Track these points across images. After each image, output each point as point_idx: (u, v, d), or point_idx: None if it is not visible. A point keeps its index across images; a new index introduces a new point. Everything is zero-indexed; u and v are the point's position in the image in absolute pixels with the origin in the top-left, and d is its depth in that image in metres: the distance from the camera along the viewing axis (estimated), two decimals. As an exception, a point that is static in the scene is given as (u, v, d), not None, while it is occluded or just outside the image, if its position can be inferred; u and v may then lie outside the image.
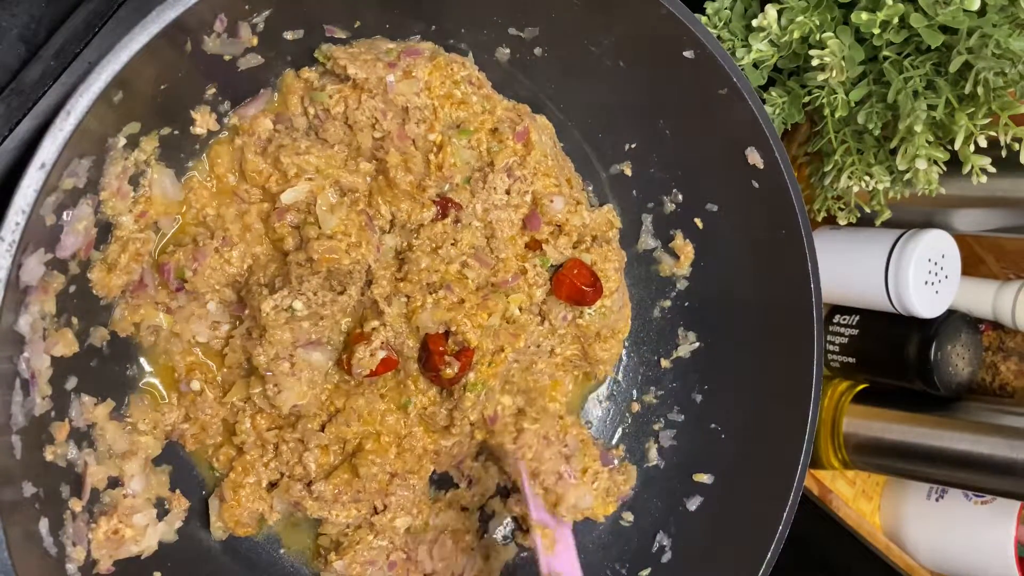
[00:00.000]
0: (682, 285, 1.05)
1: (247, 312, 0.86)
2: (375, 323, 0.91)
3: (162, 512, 0.86)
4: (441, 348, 0.92)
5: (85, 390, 0.80)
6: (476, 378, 0.94)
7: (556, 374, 1.09)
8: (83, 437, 0.80)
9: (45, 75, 0.83)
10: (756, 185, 0.97)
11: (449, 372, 0.92)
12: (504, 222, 0.96)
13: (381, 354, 0.89)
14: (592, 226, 1.02)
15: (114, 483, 0.83)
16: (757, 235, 1.01)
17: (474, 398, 0.94)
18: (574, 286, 0.98)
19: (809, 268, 0.97)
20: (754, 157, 0.95)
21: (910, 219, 1.30)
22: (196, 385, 0.87)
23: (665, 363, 1.08)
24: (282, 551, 0.95)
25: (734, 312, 1.06)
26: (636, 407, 1.11)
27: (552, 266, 1.00)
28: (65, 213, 0.73)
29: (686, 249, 1.04)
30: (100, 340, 0.82)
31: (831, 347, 1.42)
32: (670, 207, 1.05)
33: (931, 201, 1.28)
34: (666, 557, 1.01)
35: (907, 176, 1.13)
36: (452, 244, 0.91)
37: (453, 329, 0.92)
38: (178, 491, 0.88)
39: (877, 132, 1.15)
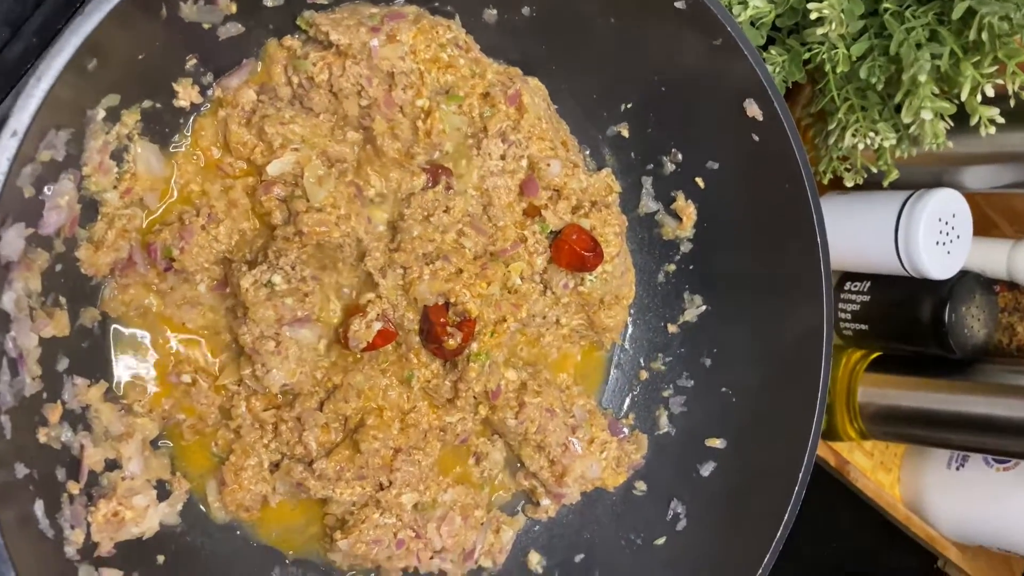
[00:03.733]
0: (686, 248, 1.03)
1: (228, 290, 0.85)
2: (370, 295, 0.89)
3: (164, 494, 0.85)
4: (442, 320, 0.90)
5: (77, 371, 0.79)
6: (480, 348, 0.92)
7: (564, 346, 1.07)
8: (78, 419, 0.79)
9: (27, 52, 0.81)
10: (757, 139, 0.95)
11: (452, 343, 0.90)
12: (500, 189, 0.94)
13: (377, 326, 0.88)
14: (591, 191, 1.00)
15: (112, 465, 0.81)
16: (761, 192, 0.99)
17: (479, 368, 0.92)
18: (574, 252, 0.96)
19: (815, 222, 0.95)
20: (753, 109, 0.92)
21: (919, 179, 1.28)
22: (187, 377, 0.85)
23: (672, 328, 1.06)
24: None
25: (740, 273, 1.04)
26: (644, 375, 1.09)
27: (552, 233, 0.97)
28: (46, 187, 0.71)
29: (688, 210, 1.02)
30: (91, 321, 0.81)
31: (843, 315, 1.39)
32: (670, 168, 1.03)
33: (939, 159, 1.25)
34: (681, 525, 1.00)
35: (912, 128, 1.10)
36: (445, 212, 0.89)
37: (453, 300, 0.90)
38: (179, 473, 0.87)
39: (880, 87, 1.12)
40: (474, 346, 0.92)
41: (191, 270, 0.84)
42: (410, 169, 0.89)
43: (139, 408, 0.84)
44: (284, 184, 0.86)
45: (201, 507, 0.88)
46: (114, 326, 0.83)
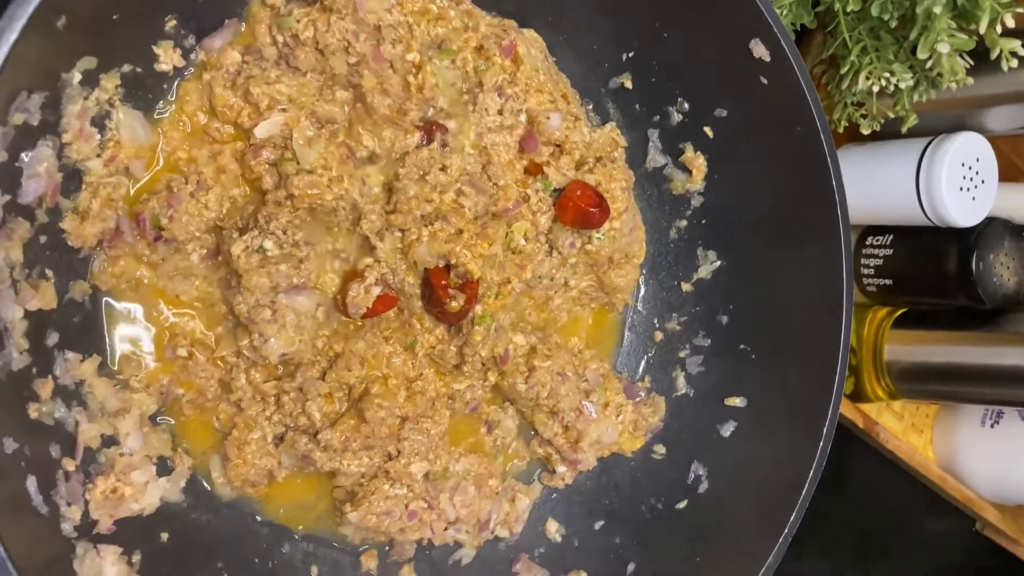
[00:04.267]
0: (697, 202, 1.00)
1: (220, 259, 0.82)
2: (368, 260, 0.86)
3: (166, 471, 0.83)
4: (444, 282, 0.87)
5: (69, 346, 0.77)
6: (484, 310, 0.89)
7: (574, 309, 1.03)
8: (72, 395, 0.77)
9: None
10: (765, 81, 0.91)
11: (455, 305, 0.87)
12: (499, 146, 0.91)
13: (376, 291, 0.85)
14: (595, 146, 0.97)
15: (110, 442, 0.79)
16: (772, 137, 0.95)
17: (484, 331, 0.89)
18: (579, 209, 0.92)
19: (830, 166, 0.91)
20: (759, 50, 0.88)
21: (939, 125, 1.23)
22: (183, 351, 0.83)
23: (686, 287, 1.03)
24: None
25: (755, 225, 1.00)
26: (659, 336, 1.06)
27: (555, 190, 0.94)
28: (23, 154, 0.69)
29: (697, 162, 0.99)
30: (81, 294, 0.79)
31: (866, 270, 1.34)
32: (677, 118, 0.99)
33: (960, 102, 1.20)
34: (703, 487, 0.97)
35: (929, 65, 1.05)
36: (441, 170, 0.86)
37: (453, 261, 0.87)
38: (180, 449, 0.84)
39: (894, 24, 1.08)
40: (478, 309, 0.89)
41: (181, 239, 0.81)
42: (403, 127, 0.86)
43: (136, 383, 0.82)
44: (273, 147, 0.83)
45: (205, 484, 0.86)
46: (106, 299, 0.81)
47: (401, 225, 0.85)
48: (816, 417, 0.93)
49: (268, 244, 0.80)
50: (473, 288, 0.88)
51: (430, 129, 0.87)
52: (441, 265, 0.87)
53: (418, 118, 0.86)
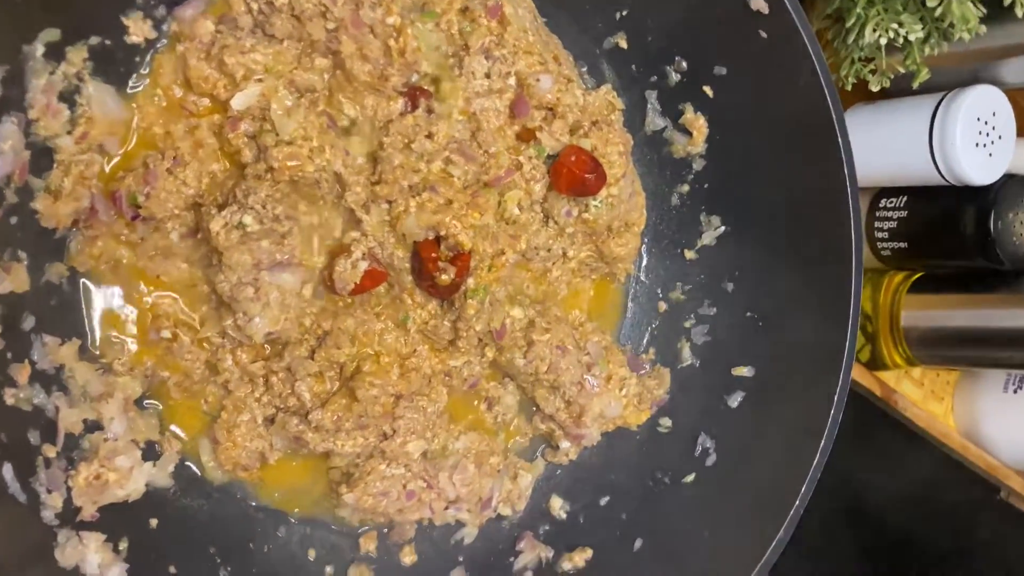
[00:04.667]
0: (699, 165, 0.97)
1: (200, 236, 0.80)
2: (354, 234, 0.83)
3: (154, 455, 0.80)
4: (433, 254, 0.84)
5: (46, 330, 0.74)
6: (477, 283, 0.86)
7: (574, 281, 1.00)
8: (52, 380, 0.75)
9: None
10: (764, 35, 0.87)
11: (445, 279, 0.84)
12: (489, 111, 0.87)
13: (363, 265, 0.82)
14: (591, 110, 0.93)
15: (94, 427, 0.77)
16: (775, 95, 0.91)
17: (477, 305, 0.86)
18: (573, 175, 0.89)
19: (835, 121, 0.87)
20: (757, 2, 0.84)
21: (953, 80, 1.17)
22: (167, 333, 0.80)
23: (690, 254, 0.99)
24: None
25: (760, 187, 0.96)
26: (663, 306, 1.02)
27: (549, 157, 0.91)
28: (-15, 131, 0.66)
29: (698, 123, 0.95)
30: (58, 276, 0.77)
31: (880, 234, 1.29)
32: (675, 78, 0.95)
33: (974, 55, 1.15)
34: (711, 460, 0.94)
35: (940, 13, 1.00)
36: (427, 138, 0.83)
37: (443, 233, 0.84)
38: (168, 433, 0.82)
39: (902, -28, 1.03)
40: (471, 282, 0.86)
41: (159, 217, 0.79)
42: (385, 93, 0.83)
43: (119, 366, 0.80)
44: (252, 119, 0.80)
45: (195, 468, 0.84)
46: (84, 281, 0.79)
47: (387, 196, 0.82)
48: (827, 385, 0.89)
49: (248, 219, 0.77)
50: (464, 260, 0.84)
51: (414, 95, 0.83)
52: (431, 237, 0.84)
53: (401, 84, 0.83)
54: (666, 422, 0.98)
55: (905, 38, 1.04)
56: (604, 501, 0.97)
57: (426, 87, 0.84)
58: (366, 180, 0.83)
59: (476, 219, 0.85)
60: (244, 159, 0.80)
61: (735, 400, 0.95)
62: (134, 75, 0.80)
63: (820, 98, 0.86)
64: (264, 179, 0.79)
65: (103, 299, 0.80)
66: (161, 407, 0.83)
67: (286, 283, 0.80)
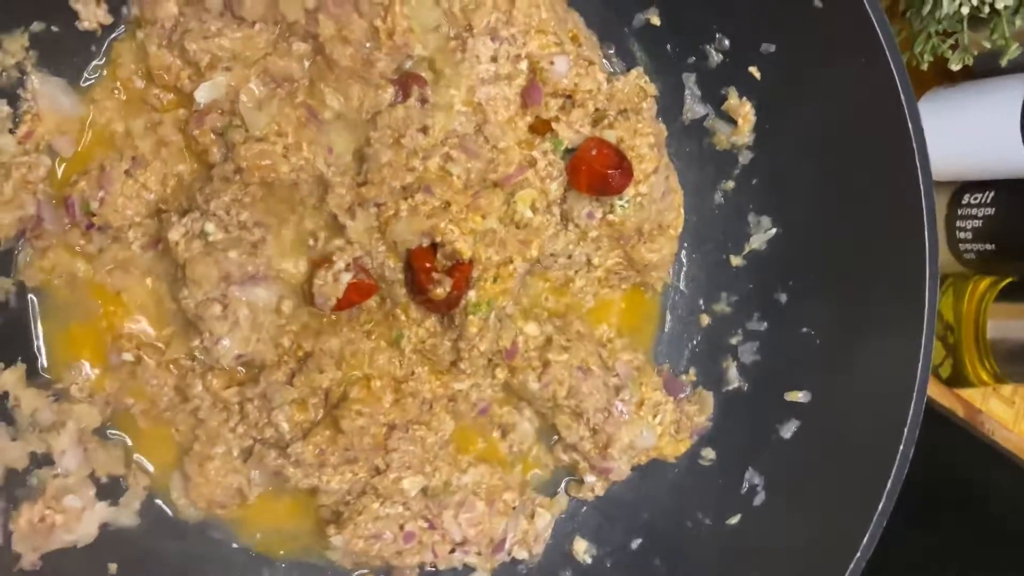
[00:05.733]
0: (746, 158, 0.87)
1: (161, 247, 0.71)
2: (338, 242, 0.73)
3: (113, 492, 0.72)
4: (428, 264, 0.74)
5: (-14, 354, 0.66)
6: (479, 297, 0.76)
7: (601, 291, 0.88)
8: (-8, 411, 0.67)
9: None
10: (819, 4, 0.74)
11: (440, 292, 0.73)
12: (496, 100, 0.77)
13: (347, 277, 0.72)
14: (618, 97, 0.81)
15: (46, 461, 0.69)
16: (832, 75, 0.79)
17: (479, 322, 0.76)
18: (594, 171, 0.78)
19: (904, 104, 0.74)
20: (809, -37, 0.72)
21: (1050, 56, 1.02)
22: (129, 355, 0.72)
23: (736, 260, 0.88)
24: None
25: (816, 184, 0.84)
26: (706, 319, 0.90)
27: (567, 151, 0.79)
28: (-102, 131, 0.58)
29: (744, 110, 0.85)
30: (2, 293, 0.69)
31: (962, 234, 1.15)
32: (716, 58, 0.84)
33: (1077, 27, 1.00)
34: (759, 499, 0.84)
35: (1035, -25, 0.85)
36: (421, 132, 0.73)
37: (439, 240, 0.73)
38: (134, 465, 0.74)
39: (989, -70, 0.88)
40: (472, 295, 0.75)
41: (116, 225, 0.70)
42: (373, 82, 0.72)
43: (77, 392, 0.72)
44: (220, 113, 0.71)
45: (164, 506, 0.75)
46: (32, 297, 0.71)
47: (375, 198, 0.73)
48: (897, 411, 0.77)
49: (210, 227, 0.68)
50: (464, 271, 0.74)
51: (405, 83, 0.73)
52: (425, 244, 0.74)
53: (391, 70, 0.73)
54: (708, 454, 0.88)
55: (992, 7, 0.90)
56: (635, 544, 0.87)
57: (420, 73, 0.74)
58: (351, 181, 0.73)
59: (478, 223, 0.74)
60: (212, 159, 0.71)
61: (788, 430, 0.84)
62: (89, 66, 0.71)
63: (888, 80, 0.74)
64: (232, 181, 0.70)
65: (55, 317, 0.71)
66: (127, 438, 0.74)
67: (259, 299, 0.71)
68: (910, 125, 0.74)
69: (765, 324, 0.87)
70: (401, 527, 0.78)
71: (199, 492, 0.74)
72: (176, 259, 0.69)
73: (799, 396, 0.83)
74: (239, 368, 0.75)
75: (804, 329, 0.84)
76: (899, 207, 0.78)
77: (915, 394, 0.77)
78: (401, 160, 0.72)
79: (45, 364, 0.71)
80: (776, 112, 0.84)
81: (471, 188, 0.75)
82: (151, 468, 0.75)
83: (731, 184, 0.88)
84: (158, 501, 0.76)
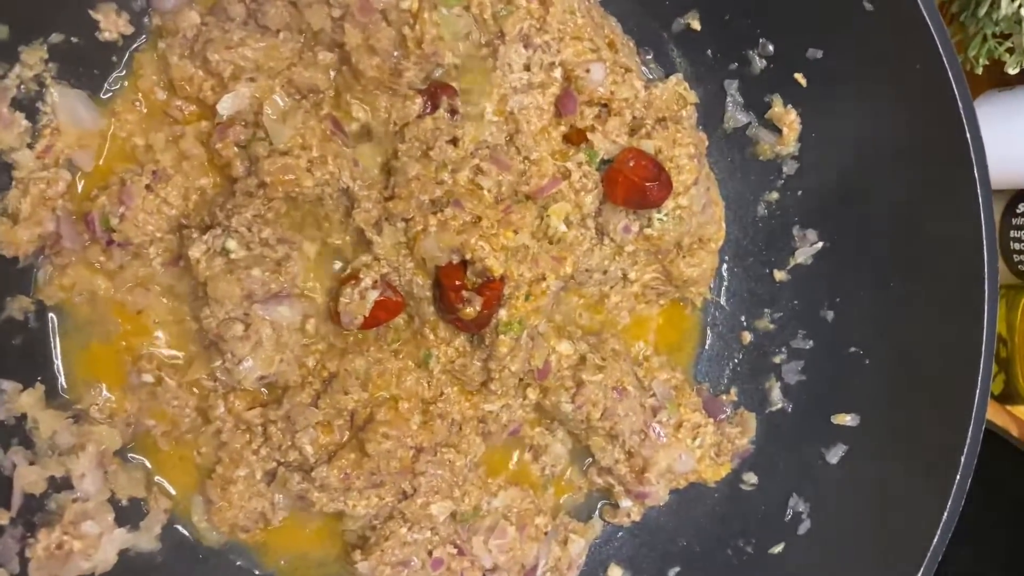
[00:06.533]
0: (791, 168, 0.84)
1: (183, 264, 0.68)
2: (365, 258, 0.71)
3: (133, 516, 0.70)
4: (458, 282, 0.71)
5: (4, 374, 0.65)
6: (510, 316, 0.72)
7: (638, 308, 0.85)
8: (11, 433, 0.65)
9: None
10: (870, 7, 0.70)
11: (470, 311, 0.70)
12: (529, 109, 0.74)
13: (373, 295, 0.70)
14: (656, 105, 0.78)
15: (65, 484, 0.67)
16: (883, 81, 0.75)
17: (510, 342, 0.72)
18: (631, 183, 0.74)
19: (962, 112, 0.70)
20: (859, -36, 0.68)
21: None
22: (149, 376, 0.70)
23: (780, 275, 0.85)
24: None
25: (866, 195, 0.81)
26: (748, 337, 0.87)
27: (603, 162, 0.76)
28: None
29: (789, 118, 0.82)
30: (21, 311, 0.67)
31: (1016, 245, 1.10)
32: (759, 64, 0.81)
33: None
34: (804, 527, 0.81)
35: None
36: (451, 143, 0.70)
37: (469, 256, 0.70)
38: (156, 489, 0.72)
39: (1050, -74, 0.84)
40: (503, 314, 0.72)
41: (137, 242, 0.68)
42: (401, 92, 0.69)
43: (97, 414, 0.70)
44: (244, 125, 0.69)
45: (185, 531, 0.73)
46: (52, 316, 0.69)
47: (403, 213, 0.70)
48: (952, 435, 0.74)
49: (231, 244, 0.66)
50: (495, 289, 0.71)
51: (435, 93, 0.70)
52: (455, 261, 0.71)
53: (419, 80, 0.70)
54: (750, 479, 0.85)
55: (1053, 7, 0.85)
56: (672, 573, 0.84)
57: (450, 83, 0.71)
58: (378, 195, 0.71)
59: (509, 239, 0.71)
60: (235, 173, 0.69)
61: (835, 454, 0.81)
62: (110, 78, 0.69)
63: (942, 84, 0.70)
64: (255, 196, 0.67)
65: (75, 337, 0.69)
66: (148, 461, 0.72)
67: (282, 318, 0.69)
68: (968, 133, 0.70)
69: (811, 342, 0.84)
70: (429, 553, 0.76)
71: (221, 516, 0.72)
72: (197, 277, 0.66)
73: (847, 419, 0.80)
74: (262, 389, 0.72)
75: (852, 348, 0.81)
76: (954, 219, 0.74)
77: (972, 421, 0.73)
78: (430, 173, 0.70)
79: (64, 385, 0.68)
80: (823, 120, 0.81)
81: (502, 202, 0.72)
82: (173, 491, 0.73)
83: (775, 195, 0.85)
84: (178, 527, 0.73)
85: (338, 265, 0.73)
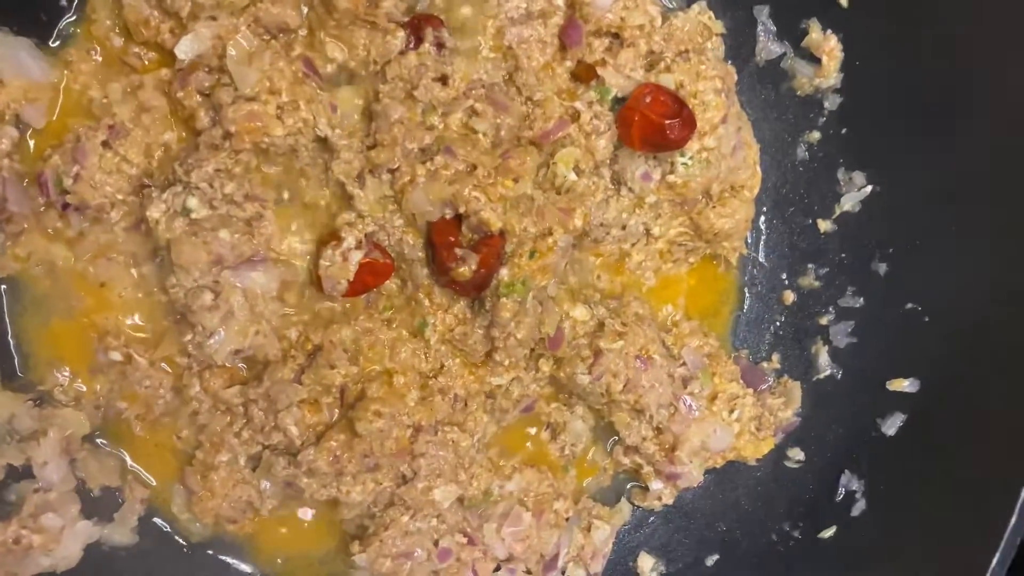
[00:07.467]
0: (833, 103, 0.77)
1: (143, 227, 0.62)
2: (347, 215, 0.63)
3: (104, 507, 0.64)
4: (451, 239, 0.63)
5: (-48, 356, 0.59)
6: (512, 276, 0.65)
7: (664, 267, 0.77)
8: (-40, 419, 0.59)
9: None
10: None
11: (464, 271, 0.63)
12: (530, 43, 0.68)
13: (357, 256, 0.62)
14: (676, 35, 0.70)
15: (24, 474, 0.61)
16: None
17: (513, 305, 0.65)
18: (648, 122, 0.66)
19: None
20: None
21: None
22: (116, 355, 0.64)
23: (825, 225, 0.79)
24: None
25: (918, 129, 0.72)
26: (790, 296, 0.81)
27: (617, 100, 0.68)
28: None
29: (828, 45, 0.75)
30: (-30, 286, 0.61)
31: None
32: None
33: None
34: (858, 508, 0.75)
35: None
36: (439, 82, 0.62)
37: (463, 209, 0.63)
38: (131, 477, 0.66)
39: None
40: (504, 273, 0.64)
41: (94, 204, 0.63)
42: (381, 26, 0.62)
43: (62, 396, 0.64)
44: (208, 71, 0.62)
45: (162, 523, 0.67)
46: (4, 288, 0.63)
47: (387, 163, 0.63)
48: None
49: (192, 202, 0.60)
50: (493, 245, 0.64)
51: (418, 25, 0.63)
52: (448, 215, 0.63)
53: (401, 11, 0.62)
54: (796, 455, 0.79)
55: None
56: (711, 561, 0.79)
57: (436, 14, 0.63)
58: (359, 144, 0.64)
59: (508, 188, 0.64)
60: (199, 124, 0.62)
61: (892, 425, 0.74)
62: (59, 24, 0.63)
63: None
64: (221, 149, 0.61)
65: (35, 312, 0.64)
66: (122, 449, 0.66)
67: (256, 285, 0.62)
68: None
69: (861, 300, 0.78)
70: (435, 543, 0.69)
71: (203, 506, 0.66)
72: (158, 241, 0.60)
73: (904, 385, 0.74)
74: (240, 365, 0.66)
75: (909, 305, 0.74)
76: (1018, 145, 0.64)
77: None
78: (415, 117, 0.62)
79: (21, 364, 0.63)
80: (868, 46, 0.73)
81: (500, 148, 0.64)
82: (154, 482, 0.67)
83: (816, 135, 0.79)
84: (158, 520, 0.67)
85: (319, 225, 0.66)
